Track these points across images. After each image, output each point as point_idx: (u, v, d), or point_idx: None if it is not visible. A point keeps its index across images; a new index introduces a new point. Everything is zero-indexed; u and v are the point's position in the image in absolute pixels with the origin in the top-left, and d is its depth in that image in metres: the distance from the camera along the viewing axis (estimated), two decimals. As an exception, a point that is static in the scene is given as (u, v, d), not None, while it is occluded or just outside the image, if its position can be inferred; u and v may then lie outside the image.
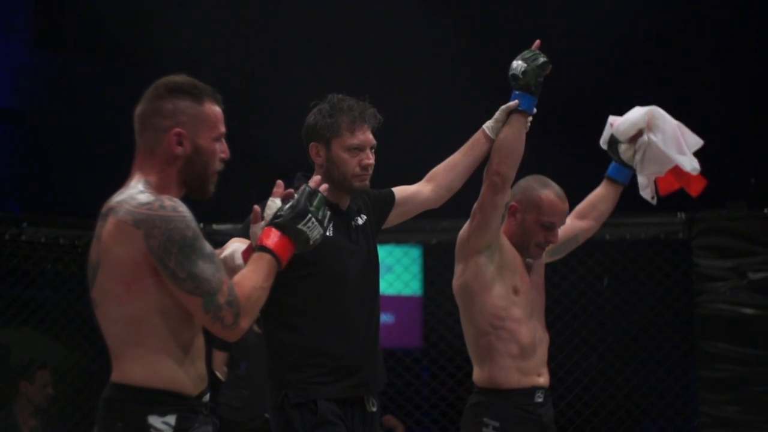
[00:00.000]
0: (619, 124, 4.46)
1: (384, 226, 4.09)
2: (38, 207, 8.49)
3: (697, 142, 4.46)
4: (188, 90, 2.88)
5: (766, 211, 6.76)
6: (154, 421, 2.76)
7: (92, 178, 8.63)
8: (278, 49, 9.30)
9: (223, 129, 2.92)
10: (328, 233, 3.71)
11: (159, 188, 2.82)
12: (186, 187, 2.89)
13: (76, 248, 7.09)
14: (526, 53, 4.06)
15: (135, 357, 2.78)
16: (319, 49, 8.96)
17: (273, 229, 2.89)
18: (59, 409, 7.24)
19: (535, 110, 4.06)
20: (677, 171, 4.47)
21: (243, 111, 9.00)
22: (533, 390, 4.16)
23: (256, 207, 3.11)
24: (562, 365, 6.87)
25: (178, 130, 2.84)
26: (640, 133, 4.42)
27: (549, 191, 4.21)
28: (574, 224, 4.43)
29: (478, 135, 4.13)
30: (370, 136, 3.86)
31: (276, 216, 2.91)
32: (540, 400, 4.18)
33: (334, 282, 3.77)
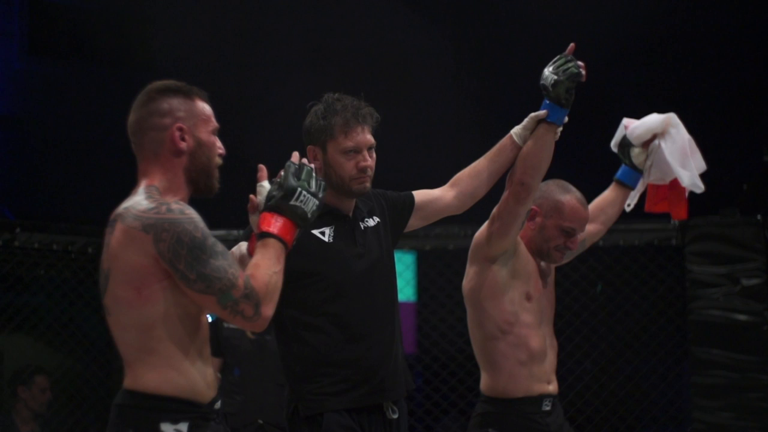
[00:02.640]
0: (634, 127, 4.40)
1: (405, 230, 3.98)
2: (31, 213, 8.48)
3: (701, 166, 4.40)
4: (178, 88, 2.92)
5: (759, 217, 6.76)
6: (167, 428, 2.77)
7: (85, 183, 8.62)
8: (271, 58, 9.30)
9: (216, 123, 2.96)
10: (327, 239, 3.69)
11: (167, 191, 2.85)
12: (192, 185, 2.91)
13: (69, 254, 7.08)
14: (559, 61, 3.88)
15: (147, 364, 2.79)
16: (312, 59, 8.97)
17: (268, 213, 2.90)
18: (52, 415, 7.22)
19: (566, 120, 3.92)
20: (672, 187, 4.42)
21: (235, 118, 8.99)
22: (541, 398, 4.09)
23: (252, 196, 3.06)
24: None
25: (179, 125, 2.88)
26: (653, 138, 4.38)
27: (571, 197, 4.13)
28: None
29: (504, 141, 3.97)
30: (367, 137, 3.74)
31: (268, 199, 2.91)
32: (548, 408, 4.10)
33: (337, 289, 3.67)
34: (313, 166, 2.98)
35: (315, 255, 3.24)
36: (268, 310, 2.79)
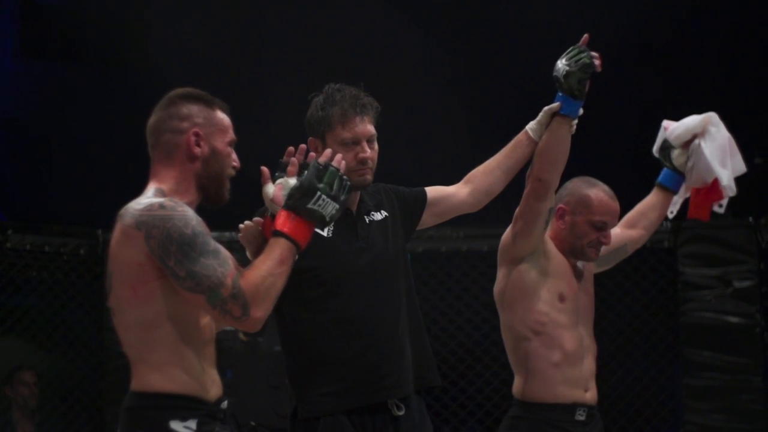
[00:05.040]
0: (673, 128, 4.30)
1: (419, 227, 3.86)
2: (23, 214, 8.47)
3: (740, 168, 4.32)
4: (200, 97, 2.95)
5: (750, 219, 6.77)
6: (176, 426, 2.77)
7: (77, 185, 8.61)
8: (266, 62, 9.30)
9: (234, 136, 2.98)
10: (327, 234, 3.58)
11: (174, 194, 2.86)
12: (202, 192, 2.92)
13: (61, 255, 7.08)
14: (572, 51, 3.76)
15: (151, 363, 2.79)
16: (304, 65, 8.95)
17: (285, 212, 2.88)
18: (45, 416, 7.22)
19: (581, 112, 3.81)
20: (712, 187, 4.30)
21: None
22: (574, 406, 3.96)
23: (264, 168, 3.03)
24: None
25: (196, 130, 2.90)
26: (693, 138, 4.27)
27: (598, 190, 4.03)
28: (623, 233, 4.26)
29: (520, 136, 3.87)
30: (366, 128, 3.63)
31: (288, 197, 2.89)
32: (582, 418, 3.96)
33: (334, 284, 3.58)
34: (340, 166, 2.93)
35: (312, 250, 3.14)
36: (258, 311, 2.77)
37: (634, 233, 4.31)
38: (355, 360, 3.59)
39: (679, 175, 4.33)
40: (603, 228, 4.02)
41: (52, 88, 10.00)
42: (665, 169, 4.35)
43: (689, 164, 4.29)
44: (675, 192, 4.35)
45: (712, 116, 4.28)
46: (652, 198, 4.36)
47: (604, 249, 4.17)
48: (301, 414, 3.60)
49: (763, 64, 8.90)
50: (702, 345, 6.75)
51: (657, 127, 4.41)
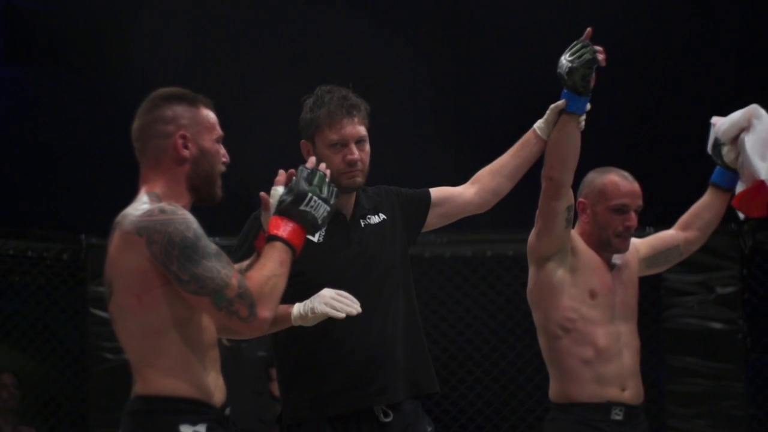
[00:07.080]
0: (720, 124, 4.17)
1: (425, 229, 3.82)
2: (6, 219, 8.45)
3: None
4: (183, 96, 2.92)
5: (733, 226, 6.78)
6: (186, 430, 2.76)
7: (61, 190, 8.59)
8: (248, 71, 9.29)
9: (221, 132, 2.95)
10: (317, 239, 3.55)
11: (168, 198, 2.83)
12: (195, 193, 2.90)
13: (44, 260, 7.06)
14: (575, 46, 3.69)
15: (158, 368, 2.77)
16: (290, 72, 8.95)
17: (277, 217, 2.88)
18: (27, 422, 7.20)
19: (588, 107, 3.75)
20: (762, 184, 4.10)
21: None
22: (608, 405, 3.92)
23: (264, 194, 3.00)
24: (531, 378, 6.87)
25: (182, 132, 2.87)
26: (741, 133, 4.13)
27: (611, 175, 3.99)
28: (676, 234, 4.22)
29: (528, 135, 3.82)
30: (355, 129, 3.58)
31: (279, 203, 2.90)
32: (619, 417, 3.92)
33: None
34: (327, 171, 2.93)
35: (302, 255, 3.14)
36: (265, 311, 2.76)
37: (688, 235, 4.25)
38: (339, 366, 3.56)
39: (732, 173, 4.19)
40: (624, 211, 3.98)
41: (36, 92, 9.98)
42: (717, 167, 4.24)
43: (740, 160, 4.15)
44: (728, 190, 4.23)
45: (756, 109, 4.14)
46: (706, 198, 4.27)
47: (652, 248, 4.18)
48: (285, 419, 3.60)
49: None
50: (685, 351, 6.76)
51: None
